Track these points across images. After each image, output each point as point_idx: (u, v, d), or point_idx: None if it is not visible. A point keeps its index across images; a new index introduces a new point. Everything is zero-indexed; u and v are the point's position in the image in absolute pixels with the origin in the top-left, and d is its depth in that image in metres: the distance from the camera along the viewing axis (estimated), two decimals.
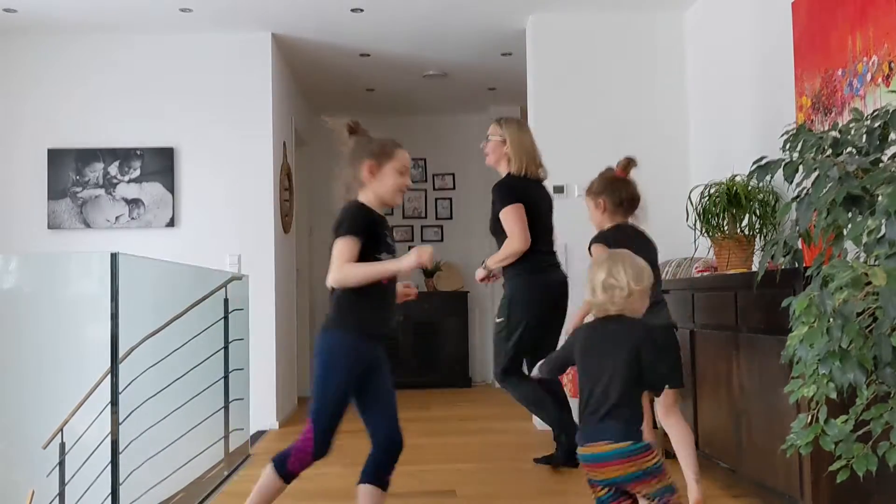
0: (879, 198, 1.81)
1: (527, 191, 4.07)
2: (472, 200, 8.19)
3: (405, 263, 2.49)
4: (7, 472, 4.22)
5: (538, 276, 3.99)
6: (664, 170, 5.34)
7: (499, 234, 4.05)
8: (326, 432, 2.60)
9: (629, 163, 3.43)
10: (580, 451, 2.30)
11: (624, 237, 3.20)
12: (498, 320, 4.05)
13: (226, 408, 4.33)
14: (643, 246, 3.17)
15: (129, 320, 3.00)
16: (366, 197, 2.69)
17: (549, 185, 5.32)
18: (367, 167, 2.71)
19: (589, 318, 2.54)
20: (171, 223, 5.47)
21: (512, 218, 3.96)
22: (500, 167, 4.18)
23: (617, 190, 3.42)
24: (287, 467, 2.64)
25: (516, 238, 3.93)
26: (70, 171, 5.43)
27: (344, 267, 2.49)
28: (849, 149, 2.06)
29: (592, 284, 2.40)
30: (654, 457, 2.24)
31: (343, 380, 2.56)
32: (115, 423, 2.94)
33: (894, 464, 1.74)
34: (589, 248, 3.31)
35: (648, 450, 2.23)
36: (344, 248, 2.50)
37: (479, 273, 4.08)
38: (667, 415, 3.23)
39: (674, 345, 3.20)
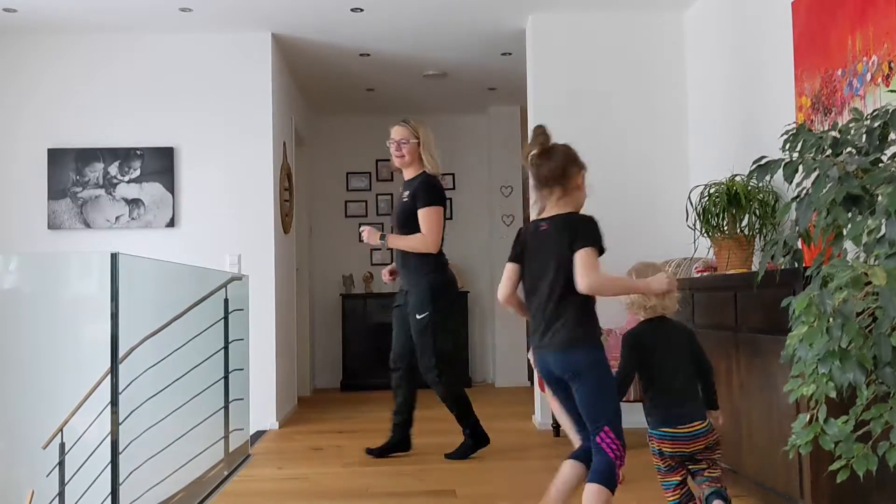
0: (879, 197, 1.81)
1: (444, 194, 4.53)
2: (472, 200, 8.19)
3: (655, 286, 2.70)
4: (7, 472, 4.22)
5: (447, 273, 4.44)
6: (664, 170, 5.35)
7: (409, 226, 4.35)
8: (621, 431, 2.61)
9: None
10: (676, 430, 2.71)
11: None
12: (420, 316, 4.30)
13: (226, 408, 4.33)
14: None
15: (129, 320, 3.00)
16: (574, 206, 2.74)
17: None
18: (582, 177, 2.75)
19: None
20: (171, 223, 5.47)
21: (434, 219, 4.32)
22: (412, 168, 4.47)
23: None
24: (616, 480, 2.58)
25: (432, 239, 4.31)
26: (70, 171, 5.43)
27: (602, 275, 2.63)
28: (849, 149, 2.06)
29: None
30: (716, 434, 2.75)
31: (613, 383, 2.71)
32: (115, 423, 2.94)
33: (894, 464, 1.74)
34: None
35: (713, 428, 2.75)
36: (594, 258, 2.62)
37: (371, 238, 4.39)
38: None
39: None
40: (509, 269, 2.82)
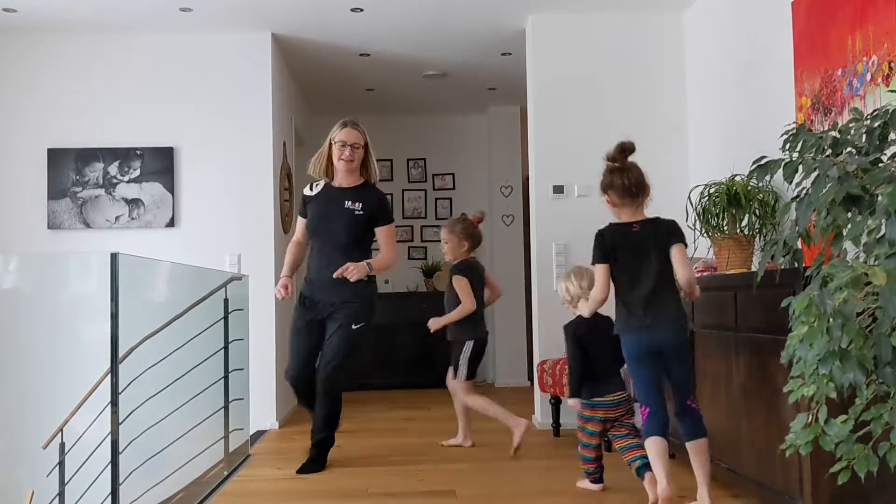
0: (879, 197, 1.81)
1: None
2: (471, 200, 8.19)
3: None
4: (7, 472, 4.22)
5: (375, 284, 4.29)
6: (664, 170, 5.34)
7: (362, 238, 4.19)
8: None
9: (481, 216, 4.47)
10: (605, 398, 3.60)
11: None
12: (357, 326, 4.13)
13: (226, 408, 4.33)
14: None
15: (129, 320, 3.00)
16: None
17: (548, 184, 5.36)
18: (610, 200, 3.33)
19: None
20: (171, 223, 5.47)
21: (393, 235, 4.28)
22: (355, 175, 4.23)
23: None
24: (650, 426, 3.17)
25: (394, 255, 4.27)
26: (70, 170, 5.43)
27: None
28: (848, 148, 2.06)
29: (584, 287, 3.70)
30: (631, 403, 3.64)
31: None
32: (115, 423, 2.94)
33: (895, 464, 1.74)
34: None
35: (630, 398, 3.65)
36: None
37: (360, 272, 4.06)
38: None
39: None
40: (606, 269, 3.26)
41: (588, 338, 3.62)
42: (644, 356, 3.18)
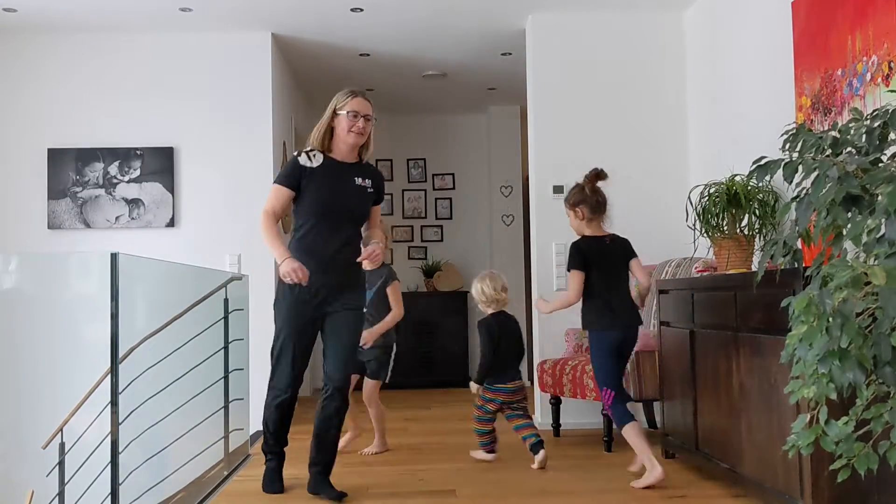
0: (879, 197, 1.81)
1: None
2: (471, 200, 8.19)
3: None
4: (7, 472, 4.21)
5: None
6: (664, 170, 5.35)
7: (364, 219, 3.79)
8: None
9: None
10: (506, 385, 4.27)
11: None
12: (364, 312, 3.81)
13: (226, 408, 4.33)
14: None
15: (129, 320, 3.00)
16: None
17: (548, 184, 5.37)
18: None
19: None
20: (171, 223, 5.47)
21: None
22: (355, 152, 3.74)
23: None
24: (621, 412, 3.76)
25: (382, 233, 3.92)
26: (70, 170, 5.43)
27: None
28: (848, 148, 2.06)
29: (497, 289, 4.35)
30: (525, 390, 4.40)
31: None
32: (115, 423, 2.94)
33: (895, 463, 1.74)
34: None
35: (523, 386, 4.37)
36: None
37: (374, 251, 3.63)
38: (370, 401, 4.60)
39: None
40: (581, 276, 3.80)
41: (499, 333, 4.26)
42: (613, 349, 3.79)
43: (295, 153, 3.71)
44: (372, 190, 3.73)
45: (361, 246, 3.71)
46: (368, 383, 4.60)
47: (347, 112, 3.63)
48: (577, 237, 3.92)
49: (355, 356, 3.76)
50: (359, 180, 3.69)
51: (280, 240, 3.59)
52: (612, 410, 3.77)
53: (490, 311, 4.35)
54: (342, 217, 3.66)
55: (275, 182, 3.71)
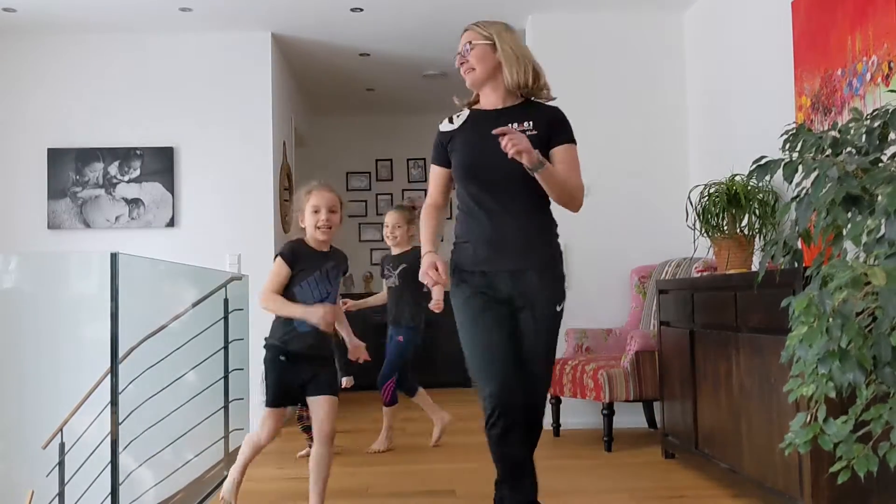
0: (879, 197, 1.81)
1: None
2: None
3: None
4: (7, 472, 4.22)
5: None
6: (664, 170, 5.35)
7: (530, 180, 2.69)
8: None
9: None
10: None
11: None
12: (560, 307, 2.85)
13: (226, 408, 4.33)
14: None
15: (129, 320, 3.01)
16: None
17: None
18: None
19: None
20: (171, 223, 5.47)
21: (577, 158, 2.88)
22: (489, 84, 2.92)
23: None
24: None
25: (581, 182, 2.86)
26: (70, 170, 5.43)
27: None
28: (848, 148, 2.06)
29: None
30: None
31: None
32: (115, 423, 2.94)
33: (895, 464, 1.74)
34: None
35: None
36: None
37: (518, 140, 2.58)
38: None
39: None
40: None
41: None
42: None
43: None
44: (536, 132, 2.84)
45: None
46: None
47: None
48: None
49: (544, 374, 2.85)
50: (526, 124, 2.86)
51: (432, 230, 2.98)
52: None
53: None
54: (516, 177, 2.74)
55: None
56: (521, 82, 2.90)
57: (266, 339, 3.18)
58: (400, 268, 4.71)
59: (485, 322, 2.73)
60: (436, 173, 3.05)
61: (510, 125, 2.76)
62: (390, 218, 4.74)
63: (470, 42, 3.00)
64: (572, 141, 2.90)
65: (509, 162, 2.60)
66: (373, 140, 8.29)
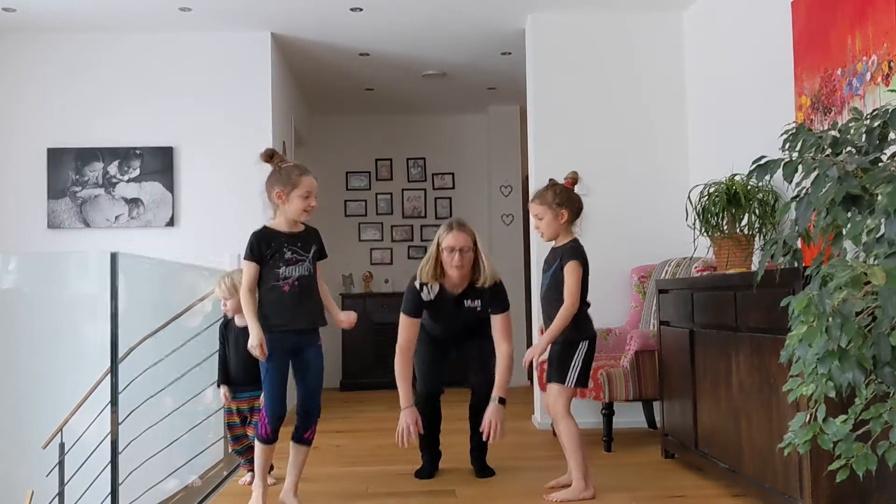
0: (879, 197, 1.81)
1: None
2: (471, 200, 8.19)
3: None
4: (7, 472, 4.22)
5: None
6: (664, 170, 5.35)
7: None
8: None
9: (576, 176, 3.62)
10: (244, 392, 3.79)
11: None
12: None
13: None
14: None
15: (129, 320, 3.01)
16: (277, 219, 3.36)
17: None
18: (276, 194, 3.31)
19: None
20: (171, 223, 5.47)
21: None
22: (466, 277, 3.87)
23: (576, 201, 3.58)
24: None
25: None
26: (70, 170, 5.43)
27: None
28: (848, 148, 2.06)
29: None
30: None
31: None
32: (115, 423, 2.94)
33: (894, 463, 1.74)
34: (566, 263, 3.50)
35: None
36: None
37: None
38: None
39: None
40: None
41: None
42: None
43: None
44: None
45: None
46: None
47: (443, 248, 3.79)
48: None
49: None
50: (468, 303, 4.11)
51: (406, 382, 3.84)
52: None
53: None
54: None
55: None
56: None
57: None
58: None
59: None
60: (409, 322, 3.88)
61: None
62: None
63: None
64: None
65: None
66: (372, 140, 8.29)
